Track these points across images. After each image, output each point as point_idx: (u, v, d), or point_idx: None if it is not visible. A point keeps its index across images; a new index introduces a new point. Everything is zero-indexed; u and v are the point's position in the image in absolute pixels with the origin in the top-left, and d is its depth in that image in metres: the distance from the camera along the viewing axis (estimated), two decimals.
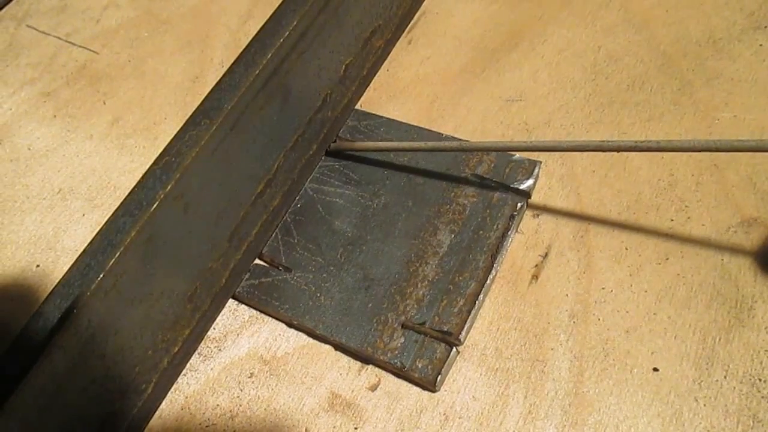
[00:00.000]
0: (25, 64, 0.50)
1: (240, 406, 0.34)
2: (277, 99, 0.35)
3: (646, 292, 0.33)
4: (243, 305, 0.37)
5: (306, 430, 0.33)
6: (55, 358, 0.27)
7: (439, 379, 0.32)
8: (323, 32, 0.37)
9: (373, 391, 0.33)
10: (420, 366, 0.33)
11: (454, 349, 0.33)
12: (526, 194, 0.37)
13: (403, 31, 0.46)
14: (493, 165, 0.38)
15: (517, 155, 0.38)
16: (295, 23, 0.34)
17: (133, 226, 0.29)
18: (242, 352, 0.35)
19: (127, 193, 0.30)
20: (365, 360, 0.34)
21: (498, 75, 0.43)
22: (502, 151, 0.37)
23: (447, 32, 0.46)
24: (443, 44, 0.45)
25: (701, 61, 0.40)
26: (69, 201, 0.42)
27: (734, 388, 0.30)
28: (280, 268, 0.37)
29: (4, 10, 0.54)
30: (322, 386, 0.34)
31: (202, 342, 0.36)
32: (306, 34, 0.35)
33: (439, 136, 0.40)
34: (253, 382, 0.34)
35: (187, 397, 0.34)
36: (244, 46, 0.34)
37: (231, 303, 0.37)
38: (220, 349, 0.36)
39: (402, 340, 0.33)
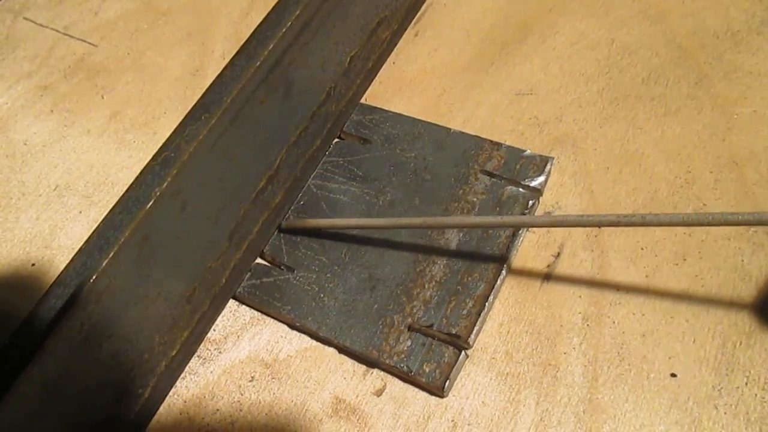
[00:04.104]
0: (21, 57, 0.49)
1: (240, 411, 0.33)
2: (279, 92, 0.34)
3: (662, 294, 0.32)
4: (244, 306, 0.36)
5: None
6: (48, 362, 0.26)
7: (447, 384, 0.31)
8: (327, 23, 0.36)
9: (378, 396, 0.32)
10: (427, 370, 0.31)
11: (463, 353, 0.32)
12: (538, 191, 0.35)
13: (410, 22, 0.45)
14: (503, 161, 0.36)
15: (528, 150, 0.37)
16: (297, 13, 0.33)
17: (130, 224, 0.28)
18: (243, 354, 0.34)
19: (124, 190, 0.29)
20: (370, 364, 0.33)
21: (508, 68, 0.41)
22: (471, 228, 0.35)
23: (455, 24, 0.44)
24: (451, 36, 0.44)
25: (719, 54, 0.39)
26: (66, 198, 0.41)
27: (756, 395, 0.29)
28: (282, 267, 0.36)
29: (1, 2, 0.53)
30: (326, 391, 0.33)
31: (202, 344, 0.35)
32: (309, 24, 0.34)
33: (447, 131, 0.38)
34: (254, 386, 0.33)
35: (185, 402, 0.33)
36: (245, 38, 0.33)
37: (231, 304, 0.36)
38: (220, 352, 0.34)
39: (408, 343, 0.32)
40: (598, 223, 0.29)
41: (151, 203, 0.28)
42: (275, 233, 0.37)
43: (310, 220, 0.37)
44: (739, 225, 0.27)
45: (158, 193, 0.28)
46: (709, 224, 0.27)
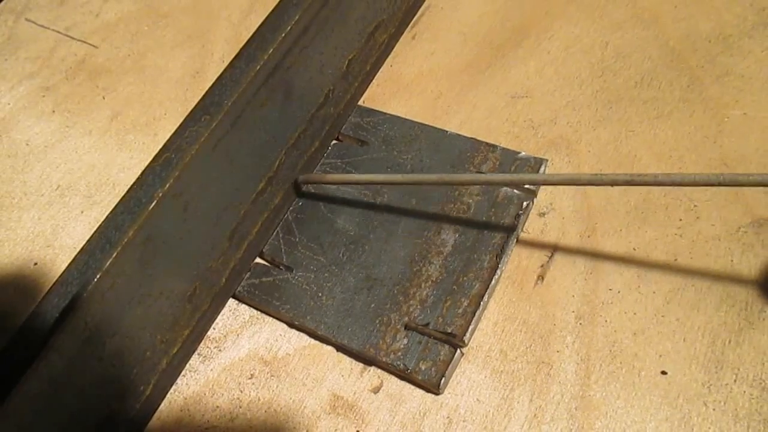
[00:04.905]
0: (23, 58, 0.49)
1: (240, 407, 0.33)
2: (279, 95, 0.34)
3: (654, 293, 0.33)
4: (243, 305, 0.36)
5: None
6: (52, 360, 0.26)
7: (442, 381, 0.32)
8: (326, 27, 0.36)
9: (375, 393, 0.33)
10: (423, 368, 0.32)
11: (458, 351, 0.32)
12: (532, 193, 0.36)
13: (407, 25, 0.45)
14: (498, 163, 0.37)
15: (523, 152, 0.37)
16: (297, 17, 0.33)
17: (132, 224, 0.28)
18: (242, 352, 0.35)
19: (126, 190, 0.30)
20: (367, 362, 0.34)
21: (504, 71, 0.42)
22: (481, 184, 0.36)
23: (452, 27, 0.45)
24: (448, 39, 0.44)
25: (711, 58, 0.39)
26: (67, 197, 0.42)
27: (744, 392, 0.30)
28: (281, 267, 0.37)
29: (2, 3, 0.53)
30: (324, 388, 0.33)
31: (202, 342, 0.35)
32: (308, 28, 0.35)
33: (443, 132, 0.39)
34: (253, 384, 0.34)
35: (186, 399, 0.34)
36: (245, 41, 0.33)
37: (231, 303, 0.36)
38: (220, 350, 0.35)
39: (405, 341, 0.33)
40: (612, 182, 0.30)
41: (153, 204, 0.29)
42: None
43: (327, 175, 0.37)
44: (750, 185, 0.27)
45: (161, 195, 0.29)
46: (720, 184, 0.28)
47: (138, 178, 0.30)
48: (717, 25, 0.41)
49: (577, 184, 0.32)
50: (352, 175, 0.37)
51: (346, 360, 0.34)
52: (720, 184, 0.28)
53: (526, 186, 0.36)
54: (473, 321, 0.33)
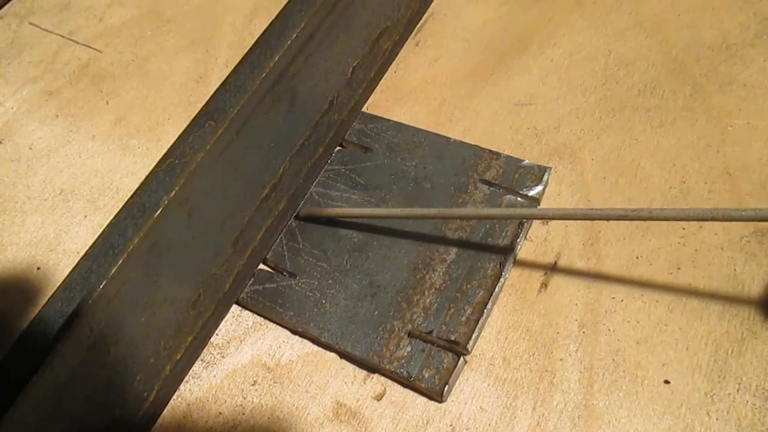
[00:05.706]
0: (27, 62, 0.49)
1: (243, 414, 0.33)
2: (284, 102, 0.35)
3: (657, 302, 0.33)
4: (247, 311, 0.36)
5: None
6: (57, 366, 0.26)
7: (446, 389, 0.32)
8: (331, 34, 0.36)
9: (378, 400, 0.33)
10: (427, 376, 0.32)
11: (462, 359, 0.32)
12: (536, 201, 0.36)
13: (411, 32, 0.45)
14: (501, 170, 0.37)
15: (526, 160, 0.37)
16: (303, 25, 0.33)
17: (137, 231, 0.28)
18: (245, 359, 0.35)
19: (129, 195, 0.30)
20: (371, 369, 0.34)
21: (507, 78, 0.42)
22: (479, 219, 0.36)
23: (455, 34, 0.45)
24: (451, 46, 0.44)
25: (714, 67, 0.40)
26: (71, 202, 0.42)
27: (747, 401, 0.30)
28: (285, 273, 0.37)
29: (6, 7, 0.53)
30: (327, 395, 0.33)
31: (205, 349, 0.35)
32: (314, 35, 0.35)
33: (447, 140, 0.39)
34: (256, 390, 0.34)
35: (189, 405, 0.34)
36: (249, 47, 0.33)
37: (234, 309, 0.36)
38: (223, 356, 0.35)
39: (408, 349, 0.33)
40: (606, 217, 0.30)
41: (159, 211, 0.29)
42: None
43: (326, 209, 0.37)
44: (742, 221, 0.28)
45: (166, 202, 0.29)
46: (713, 219, 0.28)
47: (142, 184, 0.30)
48: (720, 34, 0.41)
49: (572, 219, 0.32)
50: (351, 209, 0.37)
51: (350, 367, 0.34)
52: (713, 219, 0.28)
53: (529, 195, 0.36)
54: (476, 329, 0.33)
